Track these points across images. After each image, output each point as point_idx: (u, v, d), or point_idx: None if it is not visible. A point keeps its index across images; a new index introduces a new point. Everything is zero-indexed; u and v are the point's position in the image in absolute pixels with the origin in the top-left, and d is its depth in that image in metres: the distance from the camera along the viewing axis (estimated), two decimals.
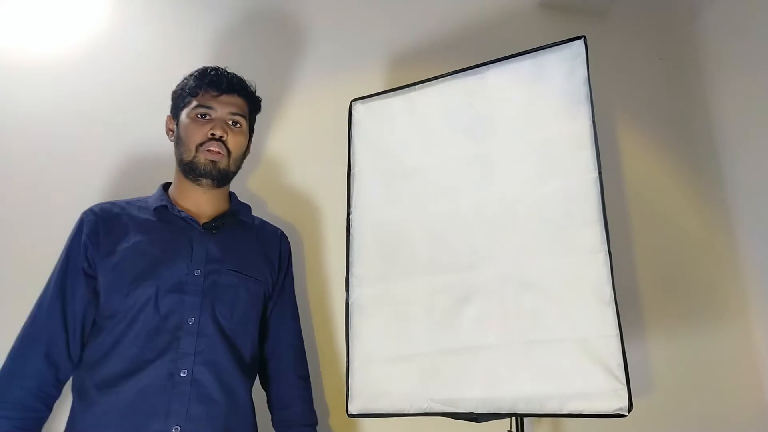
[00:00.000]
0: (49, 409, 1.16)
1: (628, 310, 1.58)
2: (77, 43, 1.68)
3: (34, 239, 1.52)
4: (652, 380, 1.68)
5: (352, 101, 1.54)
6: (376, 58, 1.85)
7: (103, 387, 1.14)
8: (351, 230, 1.44)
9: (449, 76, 1.45)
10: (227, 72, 1.34)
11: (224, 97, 1.31)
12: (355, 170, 1.49)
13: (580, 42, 1.31)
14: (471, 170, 1.37)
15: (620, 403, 1.09)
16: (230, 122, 1.31)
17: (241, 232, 1.37)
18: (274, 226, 1.46)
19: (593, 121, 1.26)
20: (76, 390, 1.19)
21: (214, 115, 1.30)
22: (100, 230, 1.24)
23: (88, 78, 1.66)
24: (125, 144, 1.63)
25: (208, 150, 1.27)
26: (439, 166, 1.40)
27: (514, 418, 1.27)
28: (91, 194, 1.59)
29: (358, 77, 1.80)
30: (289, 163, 1.71)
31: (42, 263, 1.44)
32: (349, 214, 1.46)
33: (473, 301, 1.28)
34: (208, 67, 1.34)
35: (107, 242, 1.23)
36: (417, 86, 1.48)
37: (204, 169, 1.28)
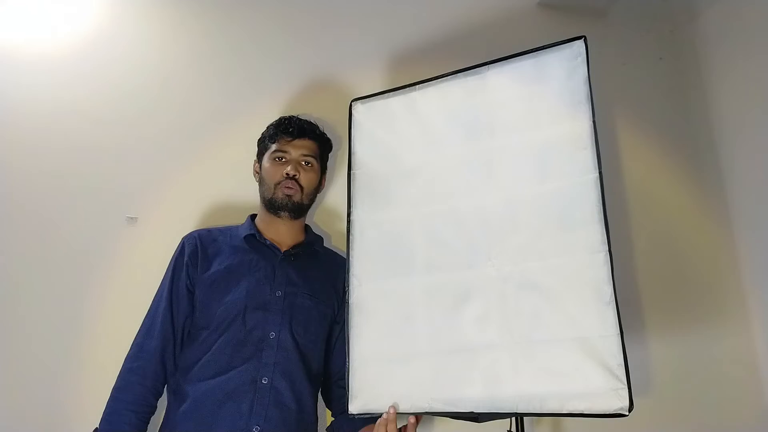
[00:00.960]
0: (156, 405, 1.35)
1: (629, 310, 1.58)
2: (74, 41, 1.68)
3: (33, 236, 1.52)
4: (652, 380, 1.68)
5: (353, 101, 1.54)
6: (376, 58, 1.85)
7: (196, 383, 1.33)
8: (351, 230, 1.44)
9: (449, 76, 1.44)
10: (299, 120, 1.55)
11: (297, 141, 1.51)
12: (355, 170, 1.49)
13: (581, 42, 1.31)
14: (471, 170, 1.37)
15: (621, 402, 1.09)
16: (303, 162, 1.51)
17: (315, 260, 1.55)
18: (341, 256, 1.59)
19: (594, 121, 1.26)
20: (171, 391, 1.37)
21: (288, 157, 1.50)
22: (199, 252, 1.45)
23: (85, 76, 1.66)
24: (123, 142, 1.63)
25: (284, 187, 1.47)
26: (440, 166, 1.40)
27: (514, 418, 1.27)
28: (90, 192, 1.59)
29: (358, 77, 1.80)
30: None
31: (39, 257, 1.44)
32: (349, 214, 1.46)
33: (473, 301, 1.27)
34: (284, 117, 1.56)
35: (205, 262, 1.44)
36: (417, 86, 1.48)
37: (281, 203, 1.47)
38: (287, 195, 1.47)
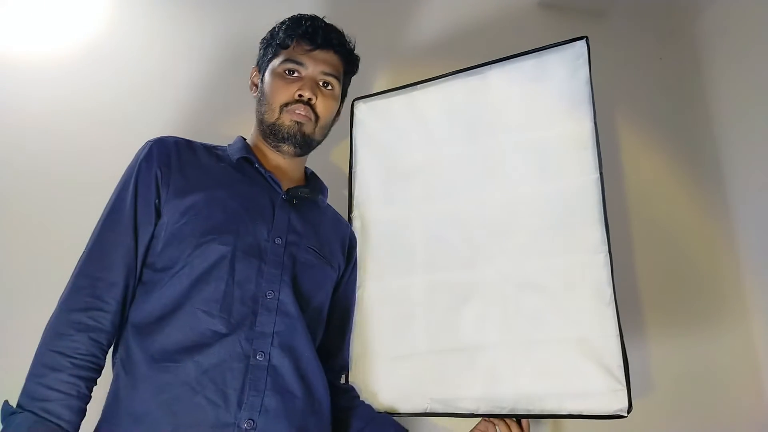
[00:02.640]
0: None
1: (629, 311, 1.58)
2: (77, 43, 1.67)
3: (35, 240, 1.51)
4: (651, 381, 1.68)
5: (354, 100, 1.54)
6: (378, 57, 1.84)
7: (161, 360, 0.94)
8: (352, 229, 1.44)
9: (451, 76, 1.44)
10: (324, 23, 1.19)
11: (318, 53, 1.16)
12: (356, 169, 1.49)
13: (582, 42, 1.31)
14: (472, 170, 1.37)
15: (620, 404, 1.09)
16: (321, 83, 1.17)
17: (318, 211, 1.23)
18: (345, 219, 1.37)
19: (594, 122, 1.26)
20: (120, 359, 0.98)
21: (304, 72, 1.15)
22: (173, 164, 1.06)
23: (89, 77, 1.65)
24: (127, 144, 1.62)
25: (294, 112, 1.13)
26: (441, 166, 1.40)
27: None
28: (93, 194, 1.58)
29: (360, 76, 1.78)
30: None
31: (42, 263, 1.43)
32: (350, 213, 1.46)
33: (473, 301, 1.27)
34: (303, 16, 1.18)
35: (180, 180, 1.05)
36: (419, 86, 1.48)
37: (288, 132, 1.14)
38: (297, 122, 1.13)
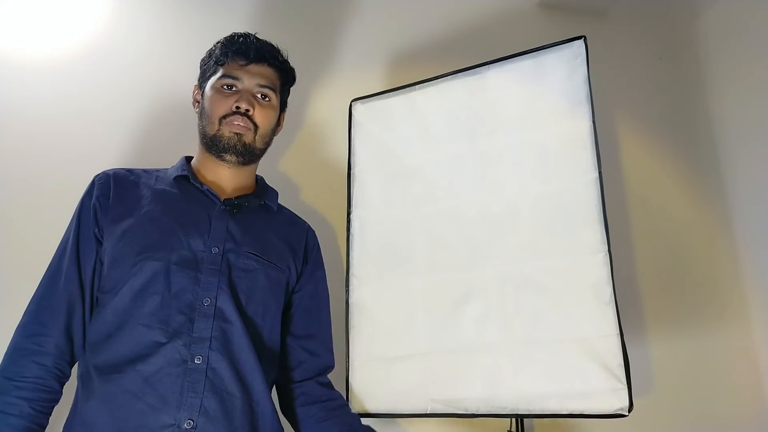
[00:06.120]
0: (62, 391, 1.06)
1: (628, 310, 1.58)
2: (77, 43, 1.68)
3: (35, 239, 1.51)
4: (652, 380, 1.68)
5: (353, 101, 1.54)
6: (376, 57, 1.84)
7: (107, 373, 1.02)
8: (351, 230, 1.44)
9: (449, 76, 1.45)
10: (257, 39, 1.24)
11: (252, 67, 1.22)
12: (355, 170, 1.49)
13: (581, 42, 1.31)
14: (471, 170, 1.37)
15: (621, 403, 1.09)
16: (258, 95, 1.22)
17: (266, 217, 1.27)
18: (302, 219, 1.37)
19: (593, 121, 1.26)
20: (80, 375, 1.08)
21: (240, 86, 1.20)
22: (112, 194, 1.14)
23: (88, 77, 1.65)
24: (125, 143, 1.63)
25: (232, 123, 1.18)
26: (440, 166, 1.40)
27: (514, 418, 1.27)
28: None
29: (358, 77, 1.79)
30: (288, 163, 1.70)
31: (42, 263, 1.43)
32: (349, 213, 1.46)
33: (473, 301, 1.27)
34: (236, 34, 1.24)
35: (117, 208, 1.13)
36: (417, 86, 1.48)
37: (228, 143, 1.18)
38: (236, 133, 1.18)
